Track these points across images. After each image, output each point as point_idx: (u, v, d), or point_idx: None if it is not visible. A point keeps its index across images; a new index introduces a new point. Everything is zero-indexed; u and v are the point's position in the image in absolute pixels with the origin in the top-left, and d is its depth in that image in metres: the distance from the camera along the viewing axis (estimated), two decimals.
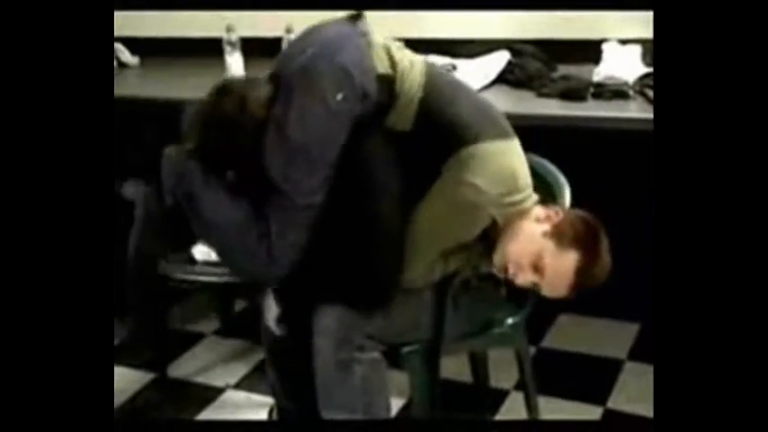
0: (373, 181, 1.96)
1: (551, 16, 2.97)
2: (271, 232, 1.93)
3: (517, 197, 1.96)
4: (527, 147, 2.04)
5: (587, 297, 2.05)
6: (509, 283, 2.07)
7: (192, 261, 2.75)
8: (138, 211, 2.06)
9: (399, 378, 2.19)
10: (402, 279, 2.01)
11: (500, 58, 2.92)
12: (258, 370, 2.95)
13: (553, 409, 2.63)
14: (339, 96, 1.87)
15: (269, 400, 2.51)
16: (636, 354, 2.98)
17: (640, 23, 2.79)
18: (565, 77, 2.80)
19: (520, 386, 2.56)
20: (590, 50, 2.86)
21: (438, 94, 1.96)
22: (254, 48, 3.12)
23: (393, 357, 2.11)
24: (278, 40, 3.00)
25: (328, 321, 2.01)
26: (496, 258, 2.02)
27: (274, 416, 2.41)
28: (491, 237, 2.03)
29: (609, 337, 3.06)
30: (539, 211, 2.01)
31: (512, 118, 2.06)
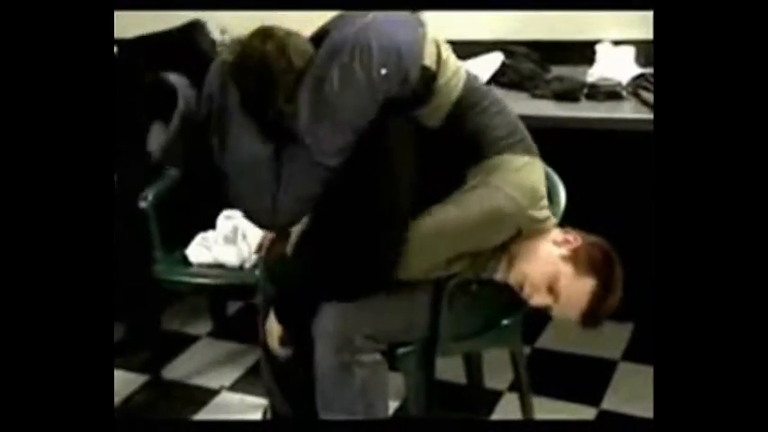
0: (389, 165, 1.96)
1: (545, 17, 2.97)
2: (281, 180, 1.94)
3: (539, 214, 1.99)
4: None
5: None
6: (508, 288, 2.08)
7: (187, 263, 2.75)
8: (179, 102, 2.00)
9: (394, 379, 2.19)
10: (400, 269, 1.98)
11: (493, 60, 2.93)
12: (252, 372, 2.95)
13: (548, 409, 2.63)
14: (383, 71, 1.88)
15: (263, 401, 2.51)
16: (630, 354, 2.99)
17: (634, 25, 2.80)
18: (558, 79, 2.80)
19: (514, 387, 2.56)
20: (583, 52, 2.87)
21: (474, 101, 1.99)
22: None
23: (388, 359, 2.10)
24: None
25: (327, 323, 2.01)
26: (513, 276, 2.04)
27: (268, 416, 2.40)
28: (504, 248, 2.03)
29: (603, 338, 3.05)
30: (557, 234, 2.03)
31: None
